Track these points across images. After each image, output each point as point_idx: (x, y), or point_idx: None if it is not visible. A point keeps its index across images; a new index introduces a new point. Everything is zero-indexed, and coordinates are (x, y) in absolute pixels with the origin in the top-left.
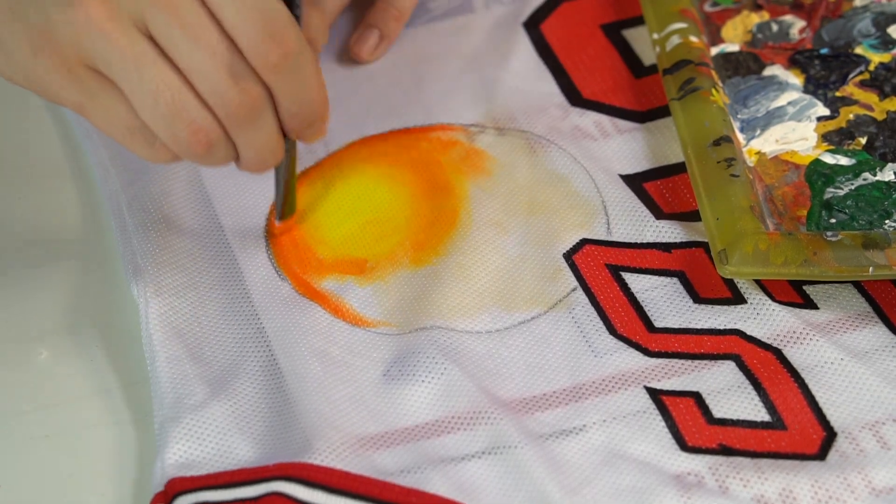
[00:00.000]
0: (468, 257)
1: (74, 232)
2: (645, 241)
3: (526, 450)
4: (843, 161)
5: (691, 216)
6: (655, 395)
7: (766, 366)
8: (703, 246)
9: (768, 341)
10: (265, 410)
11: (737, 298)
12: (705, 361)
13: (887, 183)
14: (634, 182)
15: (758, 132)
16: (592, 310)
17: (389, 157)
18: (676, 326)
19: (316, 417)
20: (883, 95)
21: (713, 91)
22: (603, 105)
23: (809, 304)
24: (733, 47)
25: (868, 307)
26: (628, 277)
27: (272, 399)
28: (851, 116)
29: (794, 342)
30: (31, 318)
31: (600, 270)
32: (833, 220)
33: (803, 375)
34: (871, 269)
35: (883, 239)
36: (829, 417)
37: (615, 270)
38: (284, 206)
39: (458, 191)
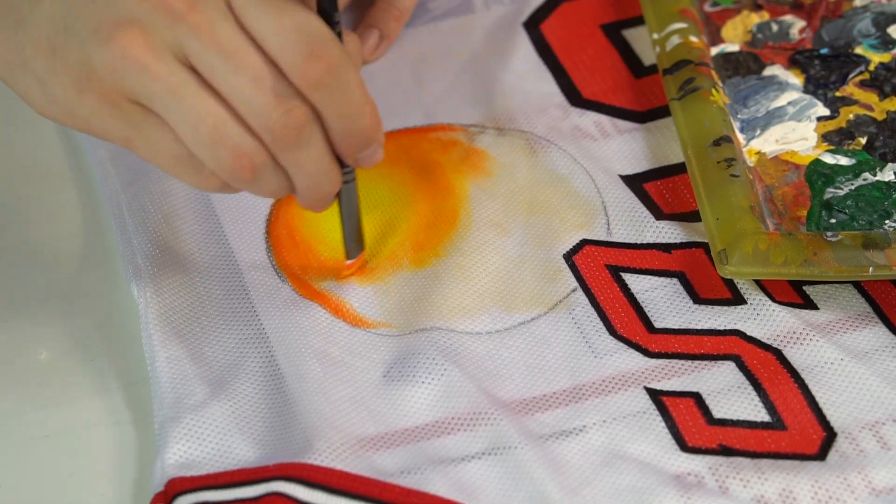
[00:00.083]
0: (468, 258)
1: (74, 232)
2: (645, 242)
3: (526, 450)
4: (843, 161)
5: (691, 216)
6: (655, 395)
7: (766, 366)
8: (703, 246)
9: (768, 342)
10: (265, 410)
11: (737, 299)
12: (705, 362)
13: (887, 183)
14: (634, 182)
15: (758, 132)
16: (592, 310)
17: (389, 158)
18: (676, 327)
19: (316, 418)
20: (883, 95)
21: (713, 91)
22: (603, 105)
23: (809, 304)
24: (733, 47)
25: (868, 307)
26: (628, 278)
27: (272, 399)
28: (851, 116)
29: (794, 342)
30: (31, 319)
31: (600, 271)
32: (833, 220)
33: (803, 376)
34: (871, 269)
35: (883, 239)
36: (829, 418)
37: (615, 271)
38: (352, 243)
39: (458, 191)
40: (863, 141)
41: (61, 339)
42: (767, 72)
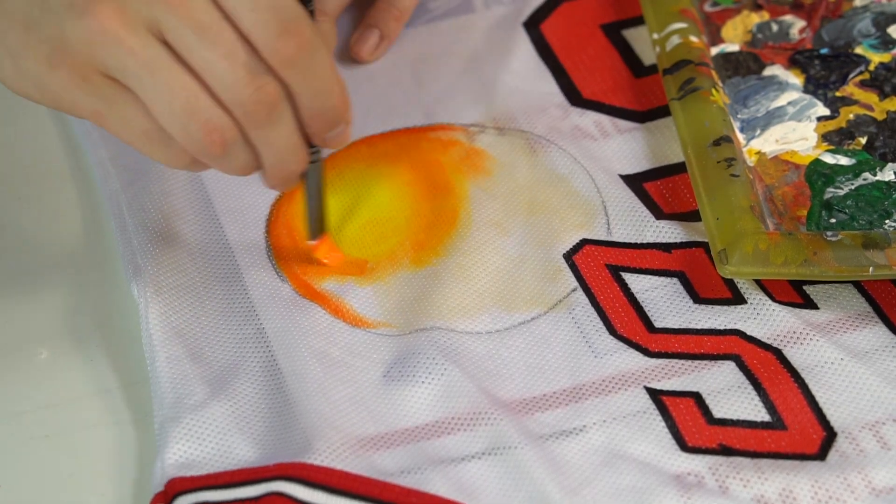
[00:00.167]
0: (468, 258)
1: (74, 232)
2: (645, 242)
3: (526, 450)
4: (843, 161)
5: (691, 216)
6: (655, 395)
7: (766, 366)
8: (703, 246)
9: (768, 341)
10: (265, 410)
11: (737, 298)
12: (705, 362)
13: (887, 183)
14: (634, 182)
15: (758, 132)
16: (592, 310)
17: (389, 158)
18: (676, 327)
19: (316, 418)
20: (883, 95)
21: (713, 91)
22: (603, 105)
23: (809, 304)
24: (733, 47)
25: (868, 307)
26: (628, 278)
27: (272, 399)
28: (851, 116)
29: (794, 342)
30: (31, 319)
31: (600, 271)
32: (833, 220)
33: (803, 375)
34: (871, 269)
35: (883, 239)
36: (829, 417)
37: (615, 271)
38: (316, 224)
39: (458, 191)
40: (863, 141)
41: (61, 339)
42: (767, 72)
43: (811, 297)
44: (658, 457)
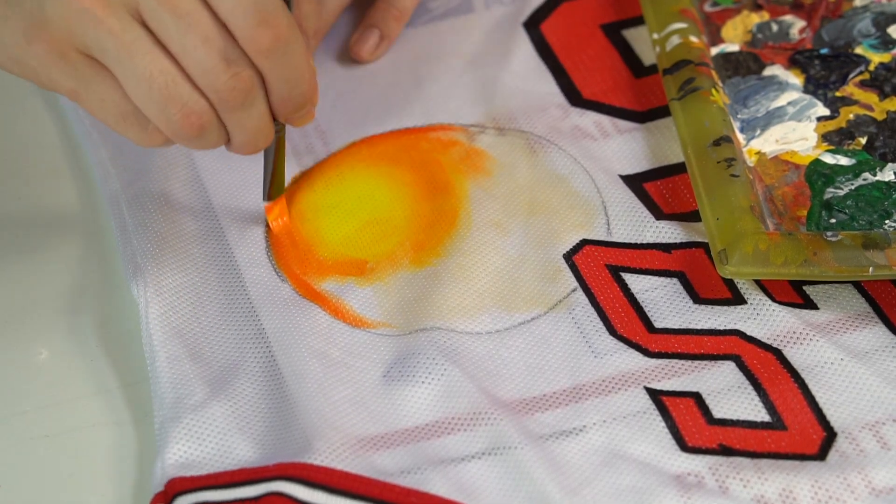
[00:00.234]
0: (468, 258)
1: (74, 232)
2: (645, 242)
3: (526, 450)
4: (843, 161)
5: (691, 216)
6: (655, 395)
7: (766, 366)
8: (703, 246)
9: (768, 342)
10: (265, 410)
11: (737, 299)
12: (705, 362)
13: (887, 183)
14: (634, 182)
15: (758, 132)
16: (592, 310)
17: (389, 158)
18: (676, 327)
19: (316, 418)
20: (883, 95)
21: (713, 91)
22: (603, 105)
23: (809, 304)
24: (733, 47)
25: (868, 307)
26: (628, 278)
27: (272, 399)
28: (851, 116)
29: (794, 342)
30: (31, 319)
31: (600, 271)
32: (833, 220)
33: (803, 376)
34: (871, 269)
35: (883, 239)
36: (829, 417)
37: (615, 271)
38: (272, 187)
39: (458, 191)
40: (863, 141)
41: (61, 339)
42: (767, 72)
43: (811, 297)
44: (658, 457)
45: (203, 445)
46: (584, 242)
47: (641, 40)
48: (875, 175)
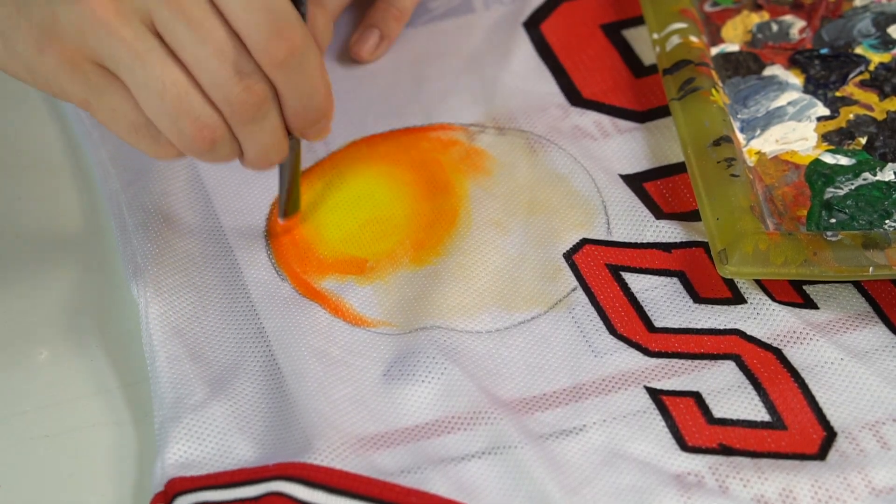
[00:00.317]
0: (468, 257)
1: (74, 232)
2: (645, 241)
3: (526, 450)
4: (843, 161)
5: (691, 216)
6: (655, 394)
7: (766, 366)
8: (703, 246)
9: (768, 341)
10: (265, 410)
11: (737, 298)
12: (705, 361)
13: (887, 183)
14: (634, 182)
15: (758, 132)
16: (592, 310)
17: (389, 157)
18: (676, 326)
19: (316, 417)
20: (883, 95)
21: (713, 91)
22: (603, 105)
23: (809, 304)
24: (733, 47)
25: (868, 307)
26: (628, 277)
27: (272, 399)
28: (851, 116)
29: (795, 342)
30: (31, 318)
31: (600, 270)
32: (833, 220)
33: (803, 375)
34: (871, 269)
35: (883, 239)
36: (829, 417)
37: (615, 270)
38: (288, 204)
39: (458, 190)
40: (863, 141)
41: (61, 339)
42: (767, 72)
43: (811, 297)
44: (658, 456)
45: (203, 445)
46: (584, 242)
47: (641, 40)
48: (875, 175)
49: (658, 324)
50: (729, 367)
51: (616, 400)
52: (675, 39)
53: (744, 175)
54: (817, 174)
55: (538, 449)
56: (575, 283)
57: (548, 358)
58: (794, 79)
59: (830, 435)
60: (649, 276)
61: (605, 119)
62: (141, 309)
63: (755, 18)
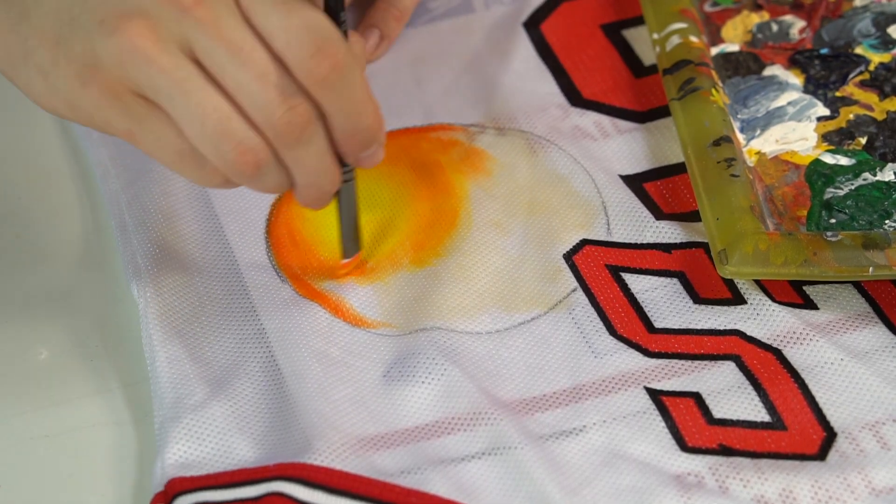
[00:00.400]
0: (468, 258)
1: (74, 232)
2: (645, 242)
3: (526, 450)
4: (843, 161)
5: (691, 216)
6: (655, 395)
7: (766, 366)
8: (703, 246)
9: (768, 342)
10: (265, 410)
11: (737, 299)
12: (705, 362)
13: (887, 183)
14: (634, 182)
15: (758, 132)
16: (592, 310)
17: (389, 158)
18: (676, 327)
19: (316, 418)
20: (883, 95)
21: (713, 91)
22: (603, 105)
23: (809, 304)
24: (733, 47)
25: (868, 307)
26: (628, 278)
27: (272, 399)
28: (851, 116)
29: (794, 342)
30: (31, 318)
31: (600, 271)
32: (833, 220)
33: (803, 376)
34: (871, 269)
35: (883, 239)
36: (829, 418)
37: (615, 271)
38: (350, 242)
39: (458, 191)
40: (863, 141)
41: (61, 339)
42: (767, 72)
43: (811, 297)
44: (658, 457)
45: (203, 445)
46: (584, 242)
47: (641, 40)
48: (875, 175)
49: (658, 324)
50: (729, 367)
51: (616, 400)
52: (675, 39)
53: (744, 175)
54: (817, 174)
55: (538, 449)
56: (575, 283)
57: (548, 359)
58: (794, 79)
59: (830, 435)
60: (649, 276)
61: (605, 119)
62: (141, 309)
63: (755, 18)
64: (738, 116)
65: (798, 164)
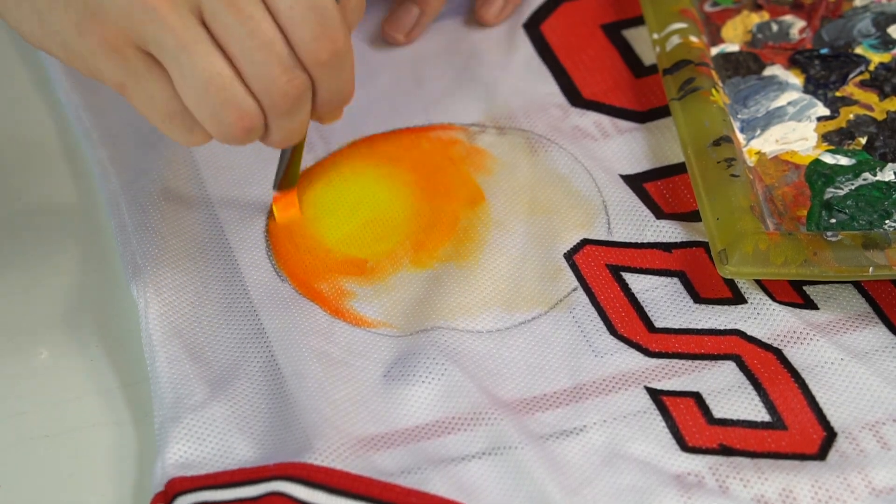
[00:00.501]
0: (469, 257)
1: (74, 232)
2: (645, 241)
3: (526, 450)
4: (843, 161)
5: (691, 216)
6: (656, 395)
7: (766, 366)
8: (704, 246)
9: (768, 341)
10: (265, 410)
11: (737, 298)
12: (705, 362)
13: (887, 183)
14: (635, 182)
15: (758, 132)
16: (593, 310)
17: (390, 157)
18: (677, 327)
19: (316, 417)
20: (883, 95)
21: (713, 91)
22: (603, 105)
23: (809, 304)
24: (733, 47)
25: (868, 307)
26: (629, 277)
27: (272, 399)
28: (851, 116)
29: (795, 342)
30: (31, 318)
31: (601, 270)
32: (833, 220)
33: (803, 375)
34: (871, 269)
35: (883, 239)
36: (829, 417)
37: (615, 270)
38: (285, 178)
39: (458, 191)
40: (863, 141)
41: (61, 339)
42: (767, 72)
43: (811, 297)
44: (658, 457)
45: (203, 445)
46: (584, 242)
47: (641, 40)
48: (875, 175)
49: (658, 324)
50: (729, 367)
51: (616, 400)
52: (675, 39)
53: (744, 175)
54: (817, 174)
55: (538, 449)
56: (575, 283)
57: (548, 358)
58: (794, 79)
59: (830, 435)
60: (650, 276)
61: (605, 119)
62: (141, 309)
63: (755, 18)
64: (738, 116)
65: (798, 164)
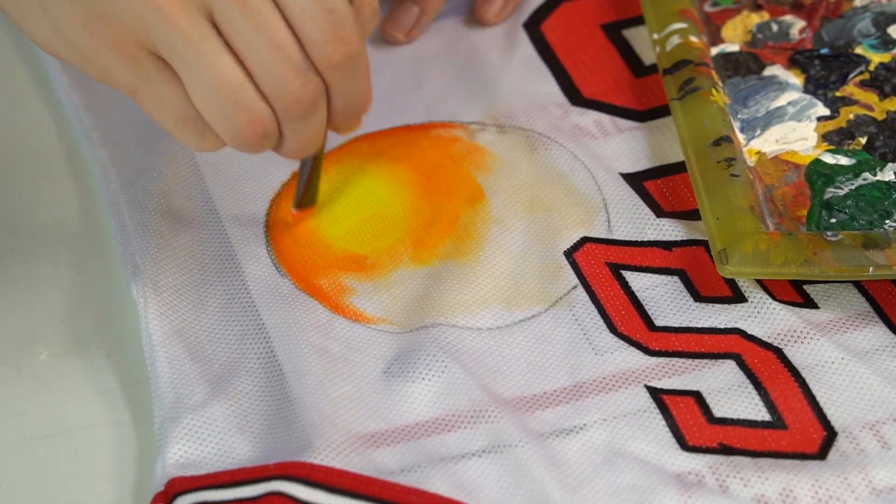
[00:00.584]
0: (469, 255)
1: (74, 231)
2: (645, 240)
3: (526, 448)
4: (843, 161)
5: (692, 215)
6: (656, 394)
7: (766, 365)
8: (704, 244)
9: (769, 340)
10: (265, 409)
11: (737, 297)
12: (706, 360)
13: (887, 183)
14: (635, 181)
15: (758, 132)
16: (593, 308)
17: (390, 154)
18: (677, 325)
19: (316, 415)
20: (883, 95)
21: (713, 91)
22: (603, 104)
23: (810, 303)
24: (733, 47)
25: (868, 307)
26: (629, 276)
27: (272, 398)
28: (851, 116)
29: (795, 341)
30: (31, 318)
31: (601, 269)
32: (833, 220)
33: (804, 375)
34: (871, 269)
35: (883, 239)
36: (829, 417)
37: (616, 269)
38: (305, 196)
39: (458, 188)
40: (863, 141)
41: (61, 339)
42: (767, 72)
43: (811, 296)
44: (658, 456)
45: (203, 445)
46: (584, 240)
47: (641, 40)
48: (875, 175)
49: (658, 322)
50: (729, 366)
51: (616, 399)
52: (676, 39)
53: (744, 175)
54: (817, 174)
55: (538, 448)
56: (575, 281)
57: (548, 356)
58: (794, 79)
59: (831, 434)
60: (650, 274)
61: (605, 118)
62: (140, 309)
63: (755, 18)
64: (738, 116)
65: (798, 164)
